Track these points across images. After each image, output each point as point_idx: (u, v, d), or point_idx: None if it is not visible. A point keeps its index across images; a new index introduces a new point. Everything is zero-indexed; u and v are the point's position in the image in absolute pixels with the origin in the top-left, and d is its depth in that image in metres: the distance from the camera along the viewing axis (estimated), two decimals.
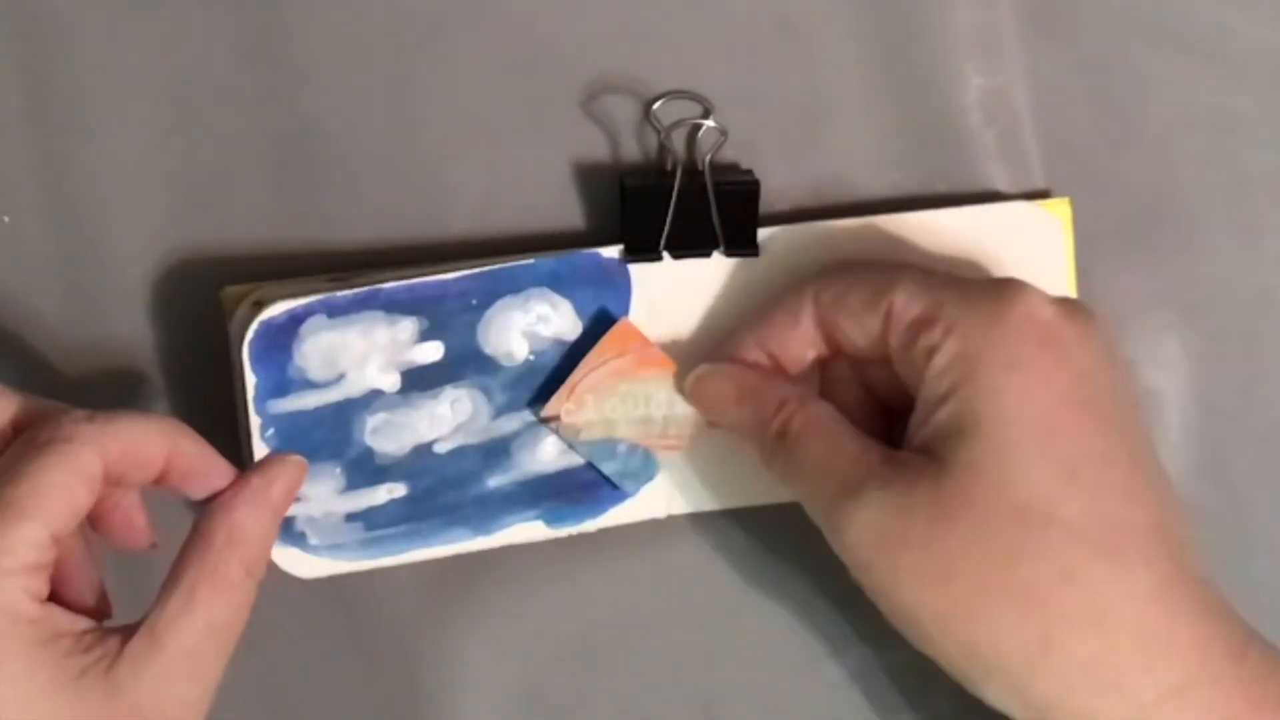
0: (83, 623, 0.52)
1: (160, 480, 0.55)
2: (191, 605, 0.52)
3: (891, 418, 0.58)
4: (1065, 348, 0.53)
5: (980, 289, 0.55)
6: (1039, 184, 0.64)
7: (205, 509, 0.54)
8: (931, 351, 0.54)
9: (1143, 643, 0.52)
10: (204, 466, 0.55)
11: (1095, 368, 0.54)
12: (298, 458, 0.56)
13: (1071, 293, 0.62)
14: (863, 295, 0.56)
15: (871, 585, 0.55)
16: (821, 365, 0.59)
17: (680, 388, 0.59)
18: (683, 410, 0.59)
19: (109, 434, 0.53)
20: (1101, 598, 0.52)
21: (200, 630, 0.52)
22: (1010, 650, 0.52)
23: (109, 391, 0.61)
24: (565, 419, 0.59)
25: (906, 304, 0.55)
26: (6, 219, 0.61)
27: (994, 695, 0.54)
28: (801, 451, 0.56)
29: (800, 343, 0.58)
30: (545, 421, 0.59)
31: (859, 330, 0.57)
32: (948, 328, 0.54)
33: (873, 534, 0.53)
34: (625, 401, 0.58)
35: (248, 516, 0.54)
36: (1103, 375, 0.54)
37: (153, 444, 0.54)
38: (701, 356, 0.60)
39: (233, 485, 0.55)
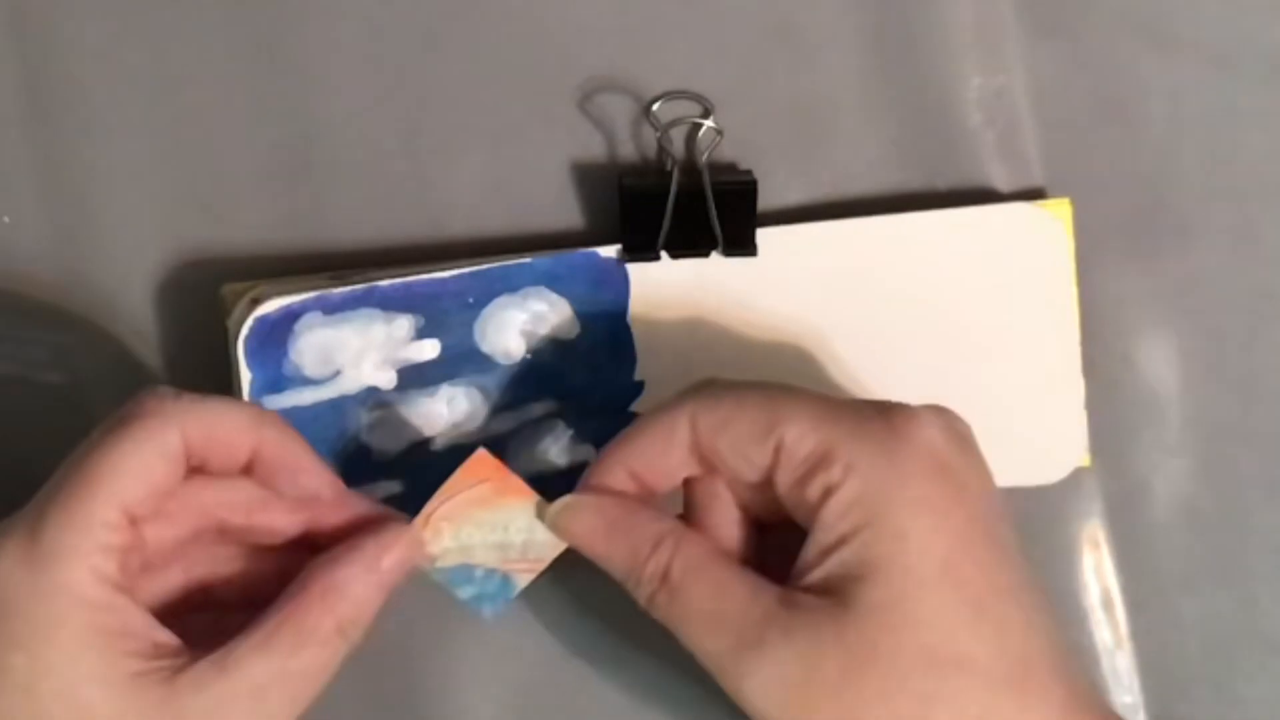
0: (160, 632, 0.51)
1: (248, 471, 0.54)
2: (268, 646, 0.51)
3: (766, 537, 0.56)
4: (959, 476, 0.52)
5: (875, 421, 0.52)
6: (1039, 184, 0.64)
7: (309, 566, 0.53)
8: (829, 491, 0.52)
9: None
10: (293, 461, 0.54)
11: (985, 495, 0.52)
12: (416, 533, 0.55)
13: (1072, 293, 0.62)
14: (749, 428, 0.53)
15: None
16: (690, 484, 0.56)
17: (541, 515, 0.56)
18: (542, 535, 0.56)
19: (192, 414, 0.52)
20: None
21: (272, 671, 0.51)
22: None
23: (109, 391, 0.62)
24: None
25: (798, 440, 0.52)
26: (6, 219, 0.61)
27: None
28: (686, 600, 0.53)
29: (672, 466, 0.55)
30: None
31: (742, 463, 0.54)
32: (846, 467, 0.51)
33: (779, 687, 0.51)
34: (482, 528, 0.56)
35: (352, 577, 0.53)
36: (991, 501, 0.53)
37: (239, 428, 0.53)
38: (700, 356, 0.60)
39: (345, 545, 0.54)
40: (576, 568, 0.62)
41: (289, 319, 0.58)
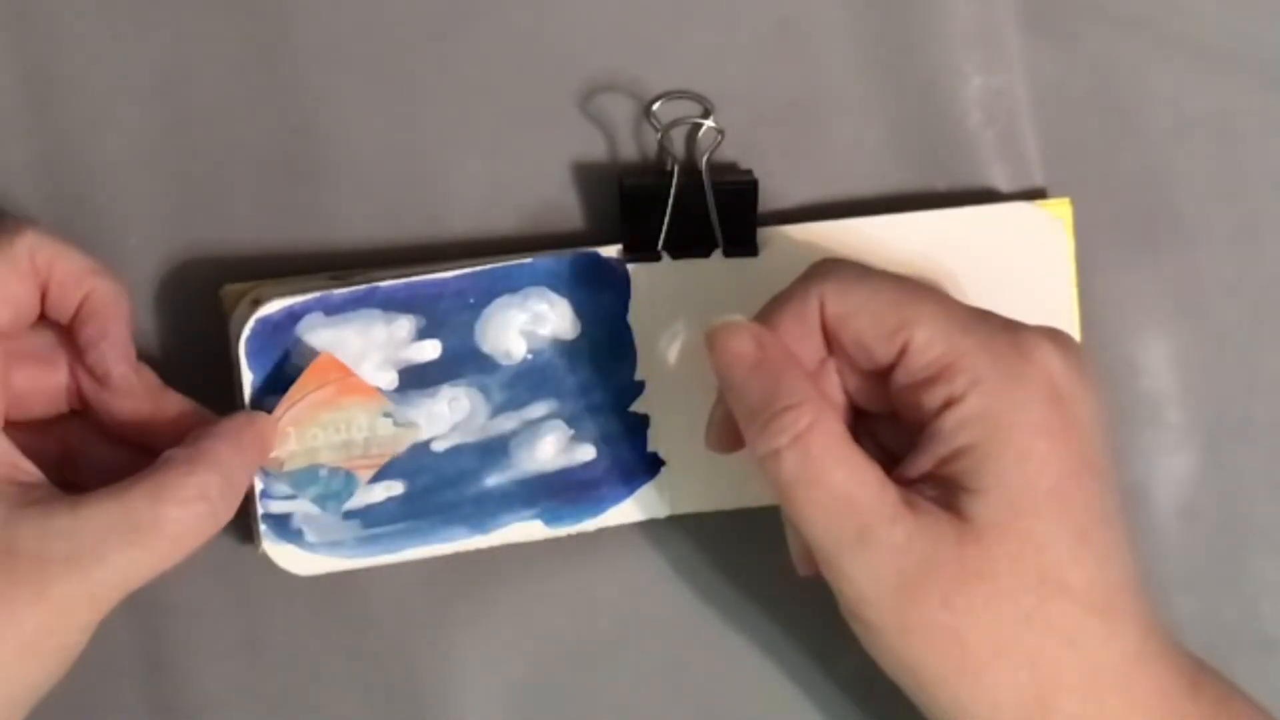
0: (20, 460, 0.54)
1: (71, 329, 0.56)
2: (124, 495, 0.52)
3: (858, 416, 0.57)
4: (1073, 405, 0.53)
5: (1003, 341, 0.53)
6: (1039, 184, 0.64)
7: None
8: (950, 401, 0.52)
9: (1129, 700, 0.53)
10: (111, 327, 0.56)
11: (1096, 425, 0.54)
12: (271, 420, 0.57)
13: (1072, 293, 0.62)
14: (878, 321, 0.54)
15: (877, 627, 0.53)
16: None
17: (382, 410, 0.58)
18: (384, 431, 0.58)
19: (42, 241, 0.55)
20: (1097, 658, 0.52)
21: (122, 519, 0.52)
22: (1008, 710, 0.52)
23: None
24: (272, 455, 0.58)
25: (925, 345, 0.53)
26: None
27: None
28: (819, 470, 0.52)
29: (805, 347, 0.55)
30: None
31: (864, 355, 0.54)
32: (971, 381, 0.52)
33: (891, 581, 0.52)
34: (326, 429, 0.57)
35: (213, 446, 0.54)
36: (1098, 429, 0.54)
37: (78, 269, 0.55)
38: (700, 356, 0.60)
39: (204, 425, 0.55)
40: (576, 567, 0.63)
41: (290, 320, 0.58)
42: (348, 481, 0.58)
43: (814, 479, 0.52)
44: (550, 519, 0.61)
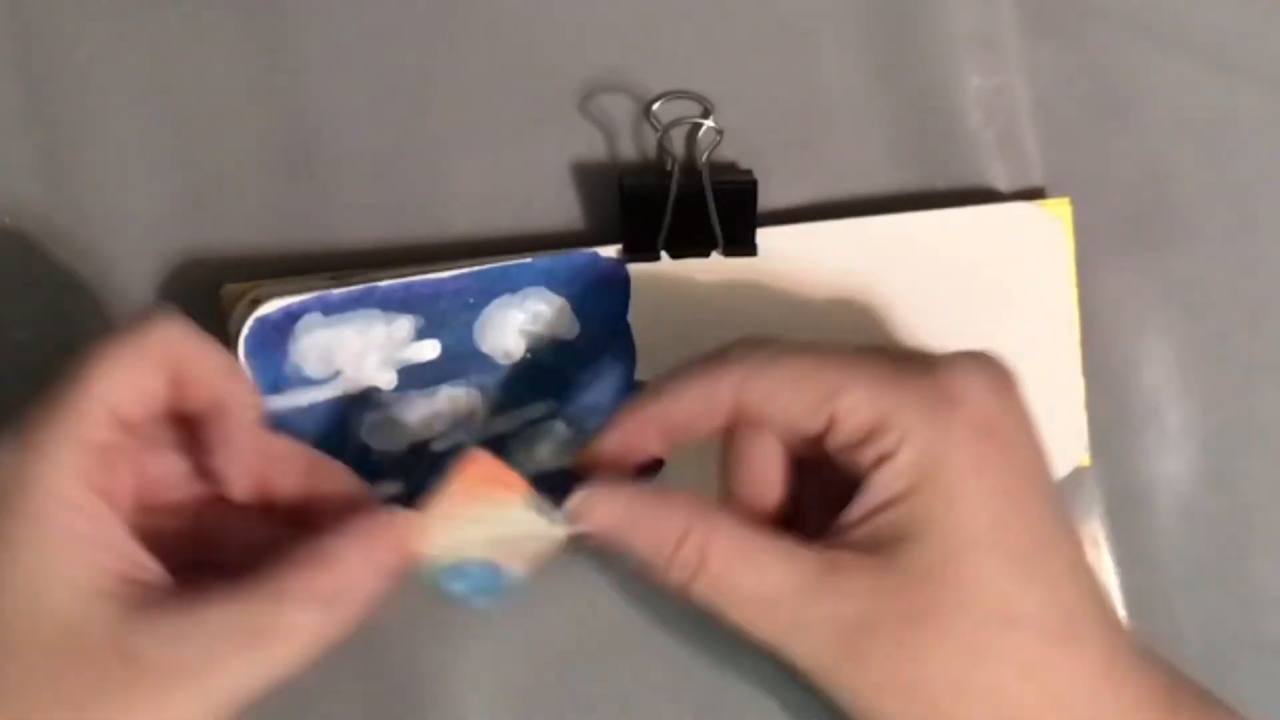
0: (143, 557, 0.51)
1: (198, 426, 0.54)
2: (241, 596, 0.50)
3: (801, 467, 0.56)
4: (1006, 434, 0.53)
5: (926, 387, 0.52)
6: (1039, 184, 0.64)
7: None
8: (882, 458, 0.52)
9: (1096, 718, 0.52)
10: (235, 435, 0.53)
11: (1029, 447, 0.53)
12: (414, 521, 0.53)
13: (1072, 293, 0.62)
14: (800, 399, 0.53)
15: (835, 693, 0.53)
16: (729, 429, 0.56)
17: (534, 506, 0.55)
18: (539, 529, 0.55)
19: (178, 335, 0.52)
20: (1059, 685, 0.52)
21: (239, 622, 0.49)
22: None
23: None
24: (418, 549, 0.56)
25: (851, 410, 0.52)
26: (7, 219, 0.61)
27: None
28: (730, 584, 0.52)
29: (708, 427, 0.55)
30: None
31: (790, 431, 0.54)
32: (899, 437, 0.52)
33: (833, 649, 0.52)
34: (479, 524, 0.55)
35: (343, 546, 0.51)
36: (1035, 452, 0.53)
37: (210, 369, 0.53)
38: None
39: (340, 519, 0.52)
40: (576, 567, 0.62)
41: (289, 320, 0.58)
42: (497, 575, 0.56)
43: (727, 595, 0.52)
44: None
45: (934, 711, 0.52)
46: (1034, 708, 0.51)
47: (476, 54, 0.62)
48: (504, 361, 0.60)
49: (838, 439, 0.53)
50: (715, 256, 0.61)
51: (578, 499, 0.54)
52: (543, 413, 0.60)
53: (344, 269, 0.61)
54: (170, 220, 0.62)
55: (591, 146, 0.63)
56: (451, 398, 0.60)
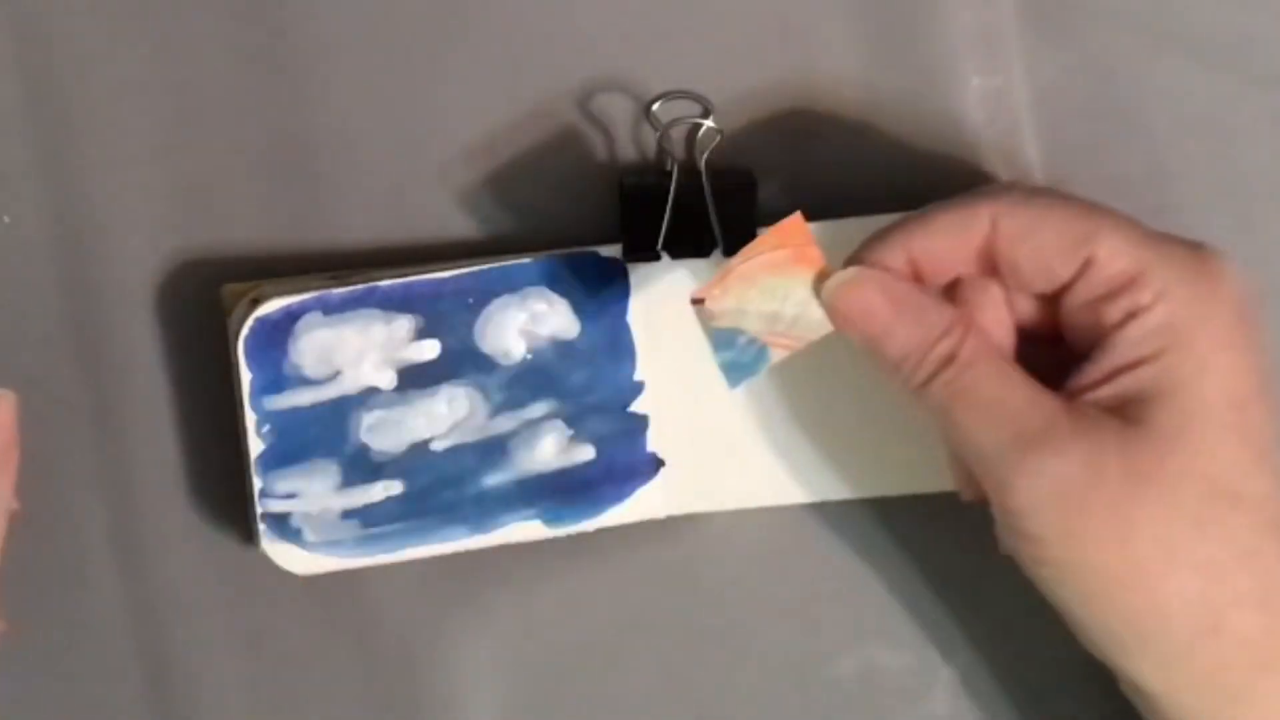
0: None
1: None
2: None
3: (1023, 345, 0.56)
4: (1255, 326, 0.53)
5: (1187, 255, 0.53)
6: (1038, 184, 0.64)
7: None
8: (1134, 312, 0.52)
9: None
10: None
11: (1268, 346, 0.54)
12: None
13: None
14: (1060, 238, 0.53)
15: (1041, 536, 0.52)
16: (961, 282, 0.56)
17: (818, 290, 0.55)
18: (815, 313, 0.55)
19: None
20: (1273, 578, 0.52)
21: None
22: (1179, 623, 0.52)
23: (109, 391, 0.62)
24: (709, 304, 0.56)
25: (1110, 258, 0.52)
26: (6, 219, 0.61)
27: (1138, 668, 0.53)
28: (973, 383, 0.52)
29: (956, 261, 0.55)
30: (693, 302, 0.56)
31: (1040, 272, 0.54)
32: (1157, 293, 0.52)
33: (1057, 486, 0.51)
34: (764, 293, 0.55)
35: None
36: (1271, 352, 0.54)
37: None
38: (700, 356, 0.60)
39: None
40: (576, 567, 0.63)
41: (289, 319, 0.58)
42: (759, 356, 0.56)
43: (969, 390, 0.52)
44: (550, 519, 0.60)
45: (1140, 575, 0.51)
46: (1247, 593, 0.51)
47: (477, 54, 0.62)
48: (504, 361, 0.60)
49: (1089, 288, 0.53)
50: (715, 256, 0.60)
51: (838, 279, 0.54)
52: (543, 413, 0.60)
53: (344, 269, 0.61)
54: (170, 220, 0.62)
55: (591, 146, 0.63)
56: (451, 398, 0.60)
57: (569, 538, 0.61)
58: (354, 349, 0.59)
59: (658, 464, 0.61)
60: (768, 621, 0.64)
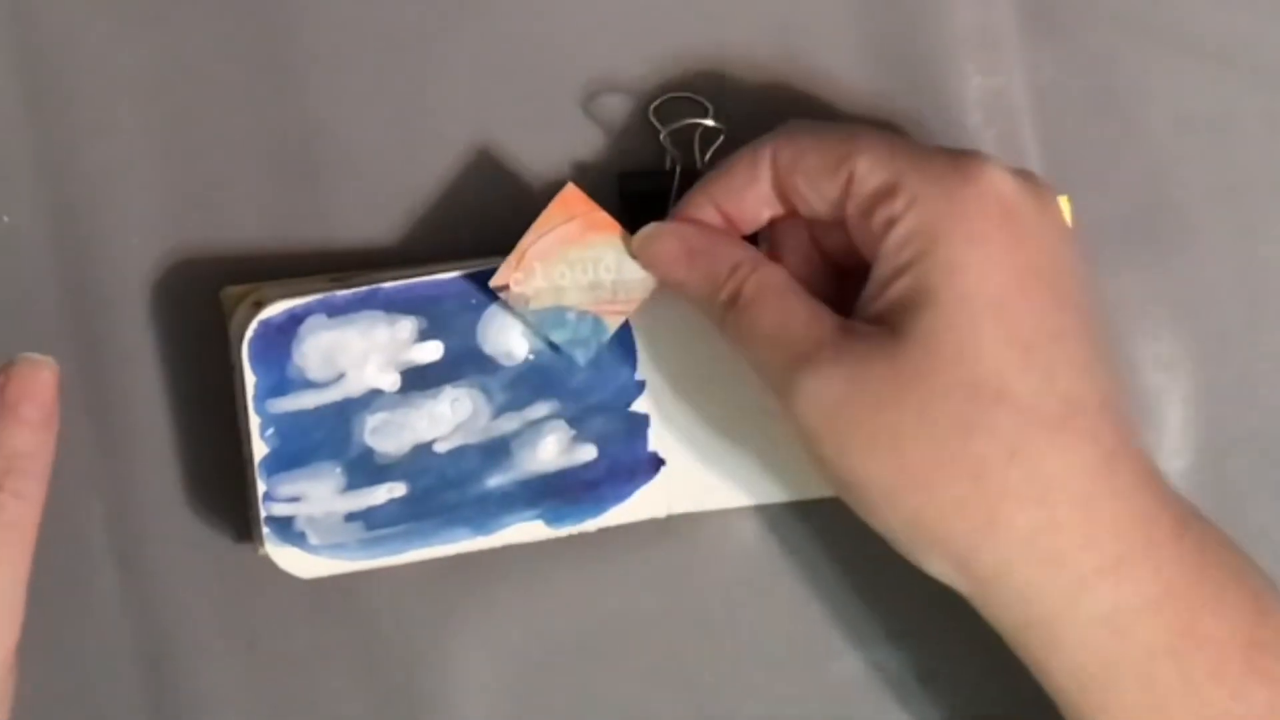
0: None
1: None
2: None
3: (844, 281, 0.58)
4: (1025, 224, 0.53)
5: (943, 161, 0.54)
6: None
7: None
8: (891, 222, 0.53)
9: (1086, 516, 0.52)
10: None
11: (1052, 244, 0.54)
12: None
13: None
14: (823, 159, 0.55)
15: (821, 454, 0.54)
16: (774, 225, 0.58)
17: (629, 249, 0.58)
18: (632, 273, 0.58)
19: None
20: (1047, 473, 0.52)
21: None
22: (956, 524, 0.53)
23: (109, 391, 0.62)
24: (514, 288, 0.58)
25: (868, 172, 0.54)
26: (6, 219, 0.61)
27: (937, 568, 0.54)
28: (753, 317, 0.55)
29: (756, 202, 0.57)
30: (495, 291, 0.58)
31: (816, 195, 0.56)
32: (909, 200, 0.53)
33: (825, 403, 0.53)
34: (574, 267, 0.58)
35: None
36: (1059, 251, 0.54)
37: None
38: (700, 356, 0.60)
39: None
40: (576, 567, 0.63)
41: (292, 322, 0.58)
42: (596, 328, 0.58)
43: (752, 323, 0.55)
44: (552, 519, 0.60)
45: (911, 479, 0.52)
46: (1018, 493, 0.52)
47: (477, 53, 0.62)
48: (506, 362, 0.60)
49: (855, 204, 0.54)
50: None
51: (640, 236, 0.58)
52: (545, 413, 0.60)
53: (344, 269, 0.61)
54: (170, 221, 0.62)
55: (591, 146, 0.63)
56: (454, 399, 0.60)
57: (569, 537, 0.61)
58: (358, 351, 0.58)
59: (658, 463, 0.61)
60: (768, 621, 0.64)
